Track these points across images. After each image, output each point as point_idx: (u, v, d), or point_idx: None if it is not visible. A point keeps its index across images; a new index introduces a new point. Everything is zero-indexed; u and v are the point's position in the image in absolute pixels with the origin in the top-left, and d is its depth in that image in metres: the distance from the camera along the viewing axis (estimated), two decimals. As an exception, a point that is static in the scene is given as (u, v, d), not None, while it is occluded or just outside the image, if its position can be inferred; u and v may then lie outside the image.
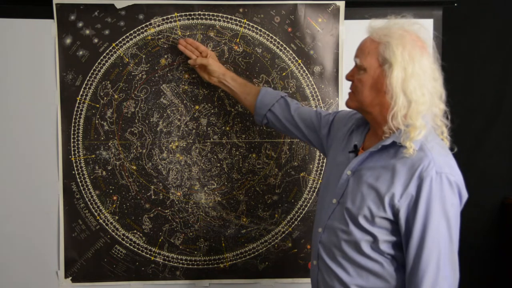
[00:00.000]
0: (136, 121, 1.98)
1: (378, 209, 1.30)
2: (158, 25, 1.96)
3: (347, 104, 1.42)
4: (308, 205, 2.03)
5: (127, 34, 1.95)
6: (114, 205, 2.00)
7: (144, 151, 1.99)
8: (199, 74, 1.90)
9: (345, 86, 1.99)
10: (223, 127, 2.00)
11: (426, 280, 1.24)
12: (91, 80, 1.96)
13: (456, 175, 1.28)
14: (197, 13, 1.95)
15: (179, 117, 1.99)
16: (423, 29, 1.35)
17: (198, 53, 1.88)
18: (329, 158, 1.58)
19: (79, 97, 1.97)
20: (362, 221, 1.32)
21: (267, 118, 1.77)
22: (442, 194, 1.25)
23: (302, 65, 1.99)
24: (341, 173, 1.42)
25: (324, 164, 2.02)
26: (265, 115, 1.76)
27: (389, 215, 1.29)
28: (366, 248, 1.33)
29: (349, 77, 1.41)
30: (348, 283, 1.37)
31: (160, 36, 1.96)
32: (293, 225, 2.03)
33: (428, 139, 1.30)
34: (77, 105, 1.97)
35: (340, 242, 1.38)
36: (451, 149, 1.37)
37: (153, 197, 2.00)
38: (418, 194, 1.25)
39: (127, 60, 1.96)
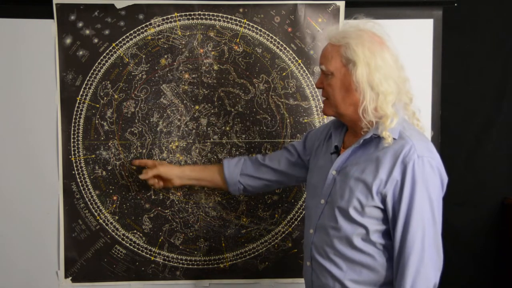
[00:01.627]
0: (136, 121, 1.98)
1: (367, 199, 1.34)
2: (158, 25, 1.96)
3: (324, 111, 1.47)
4: (308, 205, 2.03)
5: (127, 34, 1.95)
6: (114, 205, 2.00)
7: (144, 151, 1.99)
8: (164, 186, 1.86)
9: (345, 86, 1.99)
10: (223, 127, 2.00)
11: (412, 260, 1.29)
12: (91, 80, 1.96)
13: (436, 158, 1.35)
14: (197, 13, 1.96)
15: (179, 117, 1.99)
16: (377, 26, 1.42)
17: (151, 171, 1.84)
18: (311, 165, 1.61)
19: (79, 97, 1.97)
20: (352, 213, 1.36)
21: (241, 183, 1.75)
22: (425, 176, 1.30)
23: (302, 65, 1.99)
24: (326, 175, 1.46)
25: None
26: (238, 181, 1.75)
27: (378, 203, 1.34)
28: (357, 241, 1.37)
29: (319, 85, 1.46)
30: (341, 278, 1.40)
31: (160, 36, 1.96)
32: (293, 225, 2.03)
33: (405, 127, 1.37)
34: (77, 105, 1.97)
35: (332, 240, 1.41)
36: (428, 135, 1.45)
37: (153, 197, 2.00)
38: (403, 178, 1.31)
39: (127, 60, 1.96)
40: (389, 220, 1.35)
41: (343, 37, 1.38)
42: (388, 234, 1.37)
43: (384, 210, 1.35)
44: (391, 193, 1.33)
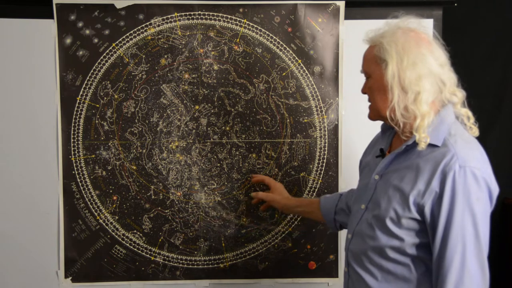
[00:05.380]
0: (136, 121, 1.98)
1: (403, 210, 1.26)
2: (158, 25, 1.96)
3: (369, 116, 1.40)
4: (308, 205, 2.03)
5: (127, 34, 1.95)
6: (114, 205, 2.00)
7: (144, 151, 1.99)
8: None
9: (345, 86, 2.00)
10: (223, 127, 2.00)
11: (450, 278, 1.20)
12: (91, 80, 1.96)
13: (482, 168, 1.24)
14: (197, 13, 1.96)
15: (179, 117, 1.99)
16: (416, 22, 1.35)
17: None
18: (361, 170, 1.55)
19: (79, 97, 1.97)
20: (389, 224, 1.29)
21: (337, 221, 1.68)
22: (466, 188, 1.20)
23: (302, 65, 1.99)
24: (369, 179, 1.40)
25: (324, 165, 2.02)
26: (334, 219, 1.68)
27: (415, 214, 1.26)
28: (391, 253, 1.30)
29: (363, 90, 1.40)
30: None
31: (160, 36, 1.96)
32: (293, 225, 2.03)
33: (451, 134, 1.27)
34: (77, 105, 1.97)
35: (366, 248, 1.35)
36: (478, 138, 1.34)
37: (153, 197, 2.01)
38: (442, 190, 1.21)
39: (127, 60, 1.96)
40: (428, 233, 1.26)
41: (378, 37, 1.32)
42: (425, 247, 1.28)
43: (422, 222, 1.26)
44: (429, 205, 1.23)
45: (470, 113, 1.34)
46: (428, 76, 1.26)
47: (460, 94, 1.33)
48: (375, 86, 1.33)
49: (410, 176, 1.27)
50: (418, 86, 1.25)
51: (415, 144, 1.28)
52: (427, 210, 1.24)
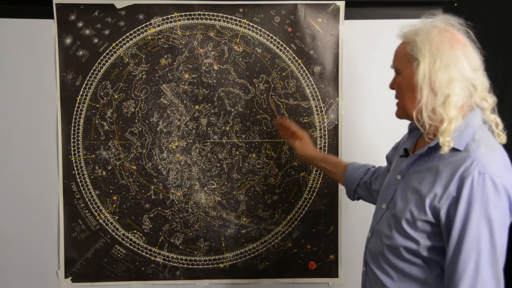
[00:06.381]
0: (136, 121, 1.98)
1: (419, 212, 1.25)
2: (158, 25, 1.96)
3: (396, 114, 1.37)
4: (308, 205, 2.03)
5: (127, 34, 1.95)
6: (114, 205, 2.00)
7: (144, 151, 1.99)
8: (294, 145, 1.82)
9: (345, 86, 1.99)
10: (223, 127, 2.00)
11: (463, 285, 1.17)
12: (91, 80, 1.96)
13: (503, 176, 1.19)
14: (197, 13, 1.96)
15: (179, 117, 1.99)
16: (455, 22, 1.33)
17: (290, 133, 1.81)
18: (388, 164, 1.55)
19: (79, 97, 1.97)
20: (404, 225, 1.27)
21: (357, 192, 1.67)
22: (484, 195, 1.17)
23: (302, 65, 1.99)
24: (392, 179, 1.39)
25: (324, 164, 2.02)
26: (355, 190, 1.67)
27: (430, 217, 1.23)
28: (405, 253, 1.29)
29: (391, 85, 1.38)
30: None
31: (160, 36, 1.96)
32: (293, 225, 2.03)
33: (474, 139, 1.24)
34: (77, 105, 1.97)
35: (383, 248, 1.34)
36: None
37: (153, 197, 2.01)
38: (458, 195, 1.18)
39: (127, 60, 1.96)
40: (443, 237, 1.23)
41: (414, 33, 1.29)
42: (441, 250, 1.25)
43: (437, 225, 1.23)
44: (445, 210, 1.20)
45: (499, 120, 1.30)
46: (459, 79, 1.23)
47: (490, 100, 1.30)
48: (404, 84, 1.30)
49: (429, 178, 1.25)
50: (449, 89, 1.22)
51: (437, 146, 1.25)
52: (443, 214, 1.21)
